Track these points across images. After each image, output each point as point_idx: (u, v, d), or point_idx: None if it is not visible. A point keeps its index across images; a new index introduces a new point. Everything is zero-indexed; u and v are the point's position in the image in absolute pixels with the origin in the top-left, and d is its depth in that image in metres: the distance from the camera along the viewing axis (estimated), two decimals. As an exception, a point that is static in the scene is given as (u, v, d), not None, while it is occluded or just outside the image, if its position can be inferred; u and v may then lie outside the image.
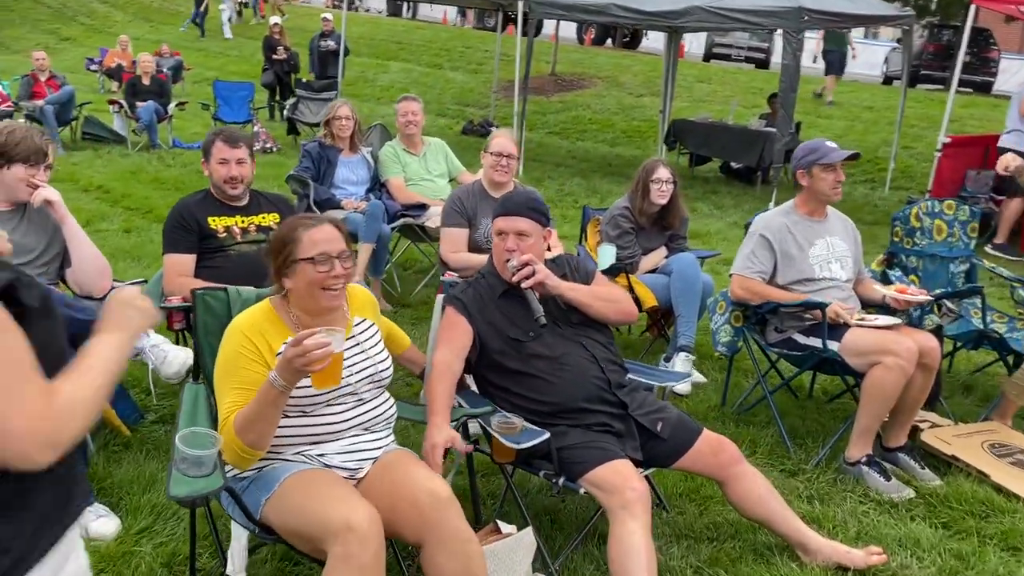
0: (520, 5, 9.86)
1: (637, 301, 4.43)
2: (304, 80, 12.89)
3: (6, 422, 1.14)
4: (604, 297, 3.00)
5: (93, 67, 16.65)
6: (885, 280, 4.25)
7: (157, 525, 2.86)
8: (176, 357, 3.30)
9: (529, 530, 2.60)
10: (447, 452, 2.63)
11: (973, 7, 9.03)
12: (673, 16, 9.47)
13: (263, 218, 3.76)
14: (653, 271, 4.61)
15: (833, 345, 3.52)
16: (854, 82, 16.54)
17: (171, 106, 11.06)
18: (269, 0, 23.31)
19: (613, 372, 2.91)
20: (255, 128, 11.33)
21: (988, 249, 7.90)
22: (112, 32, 19.70)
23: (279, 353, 2.28)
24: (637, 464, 2.79)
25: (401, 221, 5.39)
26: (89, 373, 1.33)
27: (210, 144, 3.72)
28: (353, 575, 2.01)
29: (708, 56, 21.74)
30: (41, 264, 3.22)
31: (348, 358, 2.34)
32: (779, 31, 10.16)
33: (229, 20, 21.42)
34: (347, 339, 2.37)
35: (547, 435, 2.67)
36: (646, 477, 3.00)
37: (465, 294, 2.95)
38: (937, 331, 3.86)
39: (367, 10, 30.11)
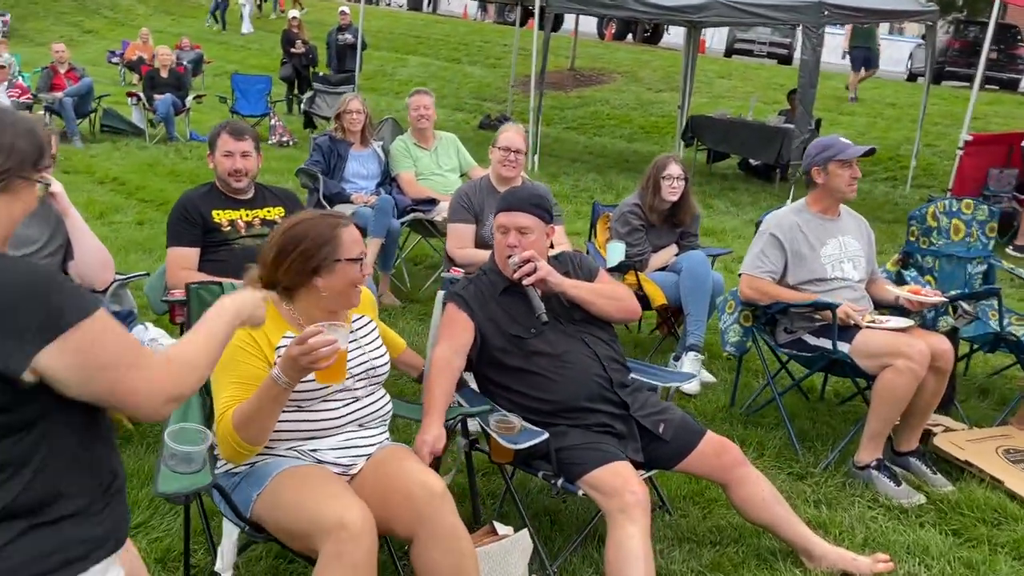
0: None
1: (646, 299, 4.38)
2: (321, 74, 12.89)
3: (136, 391, 1.42)
4: (607, 294, 2.95)
5: (115, 60, 16.77)
6: (900, 280, 4.16)
7: (153, 520, 2.84)
8: None
9: (525, 532, 2.57)
10: (446, 450, 2.60)
11: (999, 3, 8.85)
12: (692, 11, 9.38)
13: (268, 212, 3.74)
14: (663, 269, 4.55)
15: (843, 347, 3.45)
16: (877, 78, 16.30)
17: (188, 99, 11.10)
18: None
19: (615, 371, 2.87)
20: (272, 121, 11.35)
21: (1009, 250, 7.76)
22: (134, 25, 19.82)
23: (278, 348, 2.26)
24: (639, 466, 2.75)
25: (411, 216, 5.36)
26: (198, 339, 1.61)
27: (216, 136, 3.70)
28: (346, 573, 1.98)
29: (729, 51, 21.53)
30: (44, 256, 3.21)
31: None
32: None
33: (249, 14, 21.47)
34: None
35: (545, 435, 2.63)
36: (649, 479, 2.96)
37: (466, 290, 2.92)
38: (952, 333, 3.78)
39: (388, 4, 30.11)
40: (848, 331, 3.45)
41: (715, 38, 22.84)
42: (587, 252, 4.88)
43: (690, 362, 4.28)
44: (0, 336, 1.28)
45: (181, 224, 3.59)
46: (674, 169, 4.52)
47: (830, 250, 3.65)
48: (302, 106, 12.18)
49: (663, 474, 3.03)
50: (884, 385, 3.31)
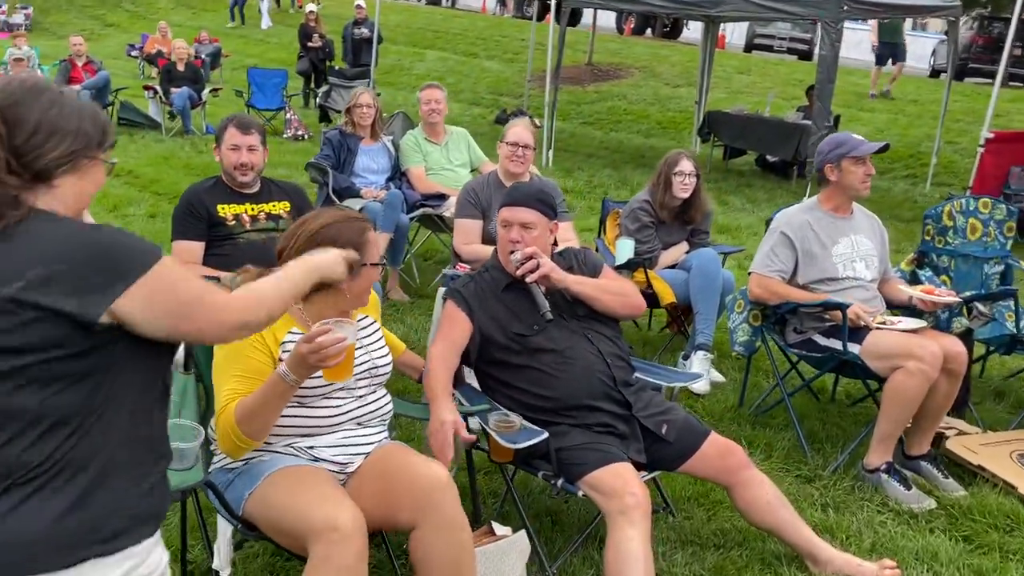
0: (554, -7, 9.74)
1: (655, 297, 4.33)
2: (337, 68, 12.89)
3: (208, 321, 1.56)
4: (611, 290, 2.92)
5: (134, 53, 16.86)
6: (915, 280, 4.08)
7: (152, 515, 2.83)
8: None
9: (523, 533, 2.54)
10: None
11: (1023, -2, 8.69)
12: (709, 5, 9.28)
13: (273, 206, 3.72)
14: (673, 266, 4.49)
15: (854, 347, 3.39)
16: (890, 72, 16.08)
17: (205, 92, 11.13)
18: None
19: (619, 368, 2.83)
20: (288, 115, 11.37)
21: (1030, 250, 7.63)
22: (155, 19, 19.88)
23: (283, 343, 2.24)
24: (642, 467, 2.71)
25: (420, 211, 5.33)
26: (272, 279, 1.76)
27: (222, 130, 3.69)
28: None
29: (749, 47, 21.32)
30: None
31: None
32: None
33: (267, 9, 21.50)
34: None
35: (545, 435, 2.60)
36: (653, 480, 2.92)
37: (466, 288, 2.88)
38: (966, 335, 3.70)
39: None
40: (859, 332, 3.39)
41: (735, 33, 22.64)
42: (596, 249, 4.84)
43: (699, 361, 4.23)
44: (76, 290, 1.41)
45: (186, 218, 3.58)
46: (686, 165, 4.46)
47: (842, 249, 3.59)
48: (318, 100, 12.18)
49: (668, 475, 2.99)
50: (895, 387, 3.25)
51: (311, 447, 2.29)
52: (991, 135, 8.40)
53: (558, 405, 2.73)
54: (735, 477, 2.76)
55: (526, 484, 3.18)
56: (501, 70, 17.03)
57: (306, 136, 11.00)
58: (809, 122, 9.32)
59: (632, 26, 22.82)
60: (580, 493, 2.57)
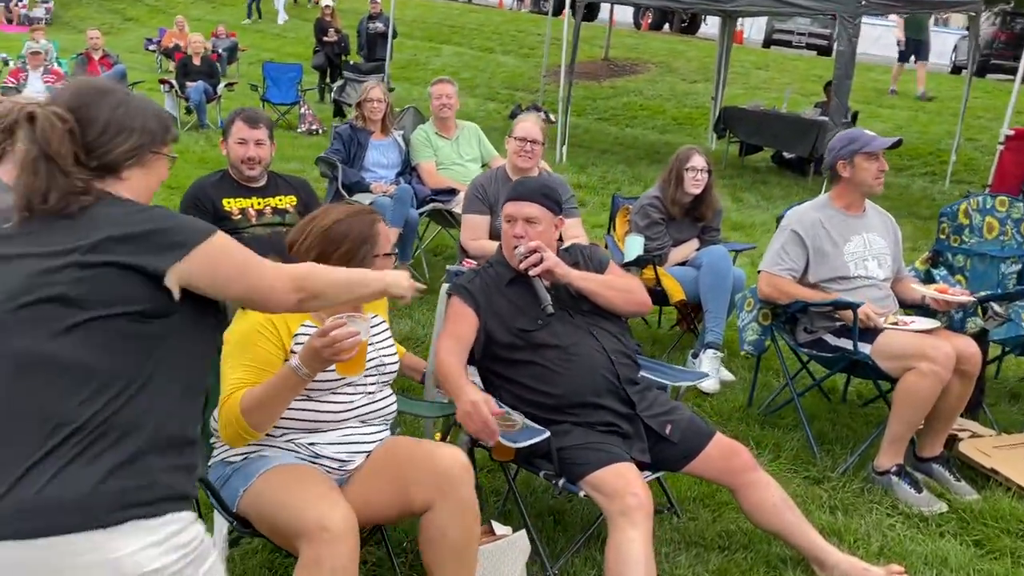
0: (569, -12, 9.68)
1: (665, 294, 4.29)
2: (352, 63, 12.88)
3: (271, 287, 1.67)
4: (615, 286, 2.88)
5: (152, 47, 16.93)
6: (930, 279, 4.01)
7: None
8: None
9: (523, 533, 2.51)
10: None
11: (1046, -7, 8.56)
12: None
13: (279, 200, 3.71)
14: (683, 263, 4.44)
15: (865, 347, 3.33)
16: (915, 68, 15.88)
17: (220, 86, 11.15)
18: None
19: (624, 366, 2.79)
20: (302, 110, 11.37)
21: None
22: (174, 13, 19.96)
23: (296, 335, 2.23)
24: (645, 467, 2.67)
25: (430, 206, 5.31)
26: (342, 268, 1.91)
27: (230, 123, 3.68)
28: None
29: (768, 42, 21.13)
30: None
31: None
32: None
33: (284, 5, 21.53)
34: None
35: (547, 434, 2.57)
36: (658, 480, 2.88)
37: (472, 283, 2.86)
38: (981, 335, 3.63)
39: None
40: (870, 332, 3.33)
41: (753, 28, 22.43)
42: (606, 245, 4.79)
43: (709, 360, 4.18)
44: (143, 250, 1.54)
45: (191, 211, 3.57)
46: (698, 161, 4.41)
47: (854, 247, 3.53)
48: (332, 95, 12.18)
49: (673, 475, 2.95)
50: (906, 388, 3.19)
51: (312, 443, 2.28)
52: (1011, 132, 8.29)
53: (561, 402, 2.69)
54: (740, 479, 2.72)
55: (529, 483, 3.15)
56: (517, 65, 16.96)
57: (320, 131, 11.01)
58: (826, 118, 9.22)
59: (650, 21, 22.68)
60: (582, 493, 2.54)
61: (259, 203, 3.66)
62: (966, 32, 18.62)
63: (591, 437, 2.63)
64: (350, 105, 11.55)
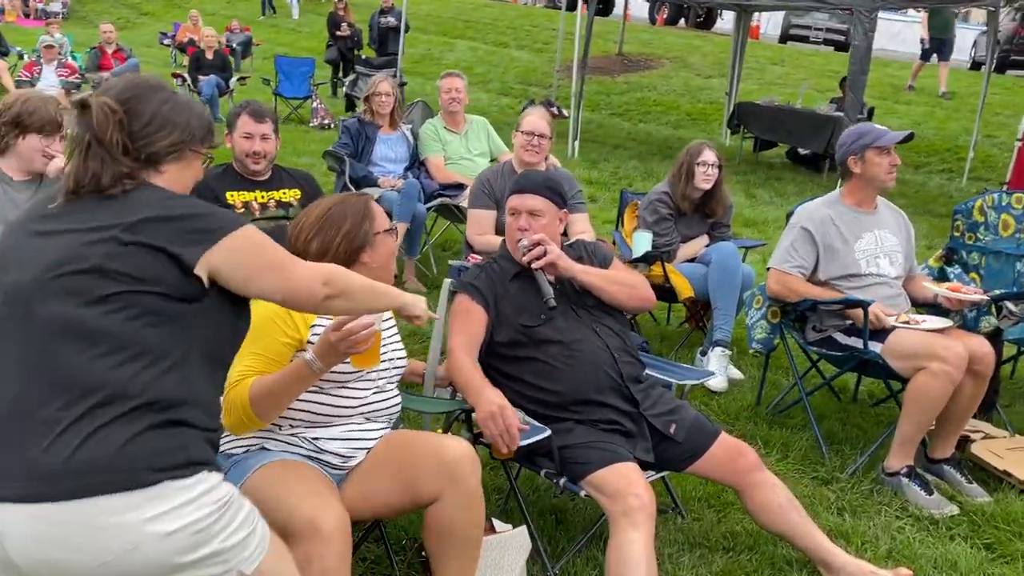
0: (582, -18, 9.62)
1: (673, 291, 4.24)
2: (364, 57, 12.86)
3: (299, 281, 1.74)
4: (619, 281, 2.84)
5: (166, 41, 16.97)
6: (943, 277, 3.94)
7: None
8: None
9: (523, 530, 2.48)
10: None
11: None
12: (740, -6, 9.11)
13: (283, 193, 3.69)
14: (692, 260, 4.39)
15: (875, 346, 3.27)
16: (936, 66, 15.69)
17: (232, 80, 11.16)
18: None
19: (627, 363, 2.74)
20: (314, 104, 11.36)
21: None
22: (189, 7, 20.00)
23: (313, 325, 2.22)
24: (649, 466, 2.63)
25: (438, 201, 5.28)
26: (362, 278, 1.91)
27: (235, 117, 3.66)
28: None
29: (785, 38, 20.95)
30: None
31: None
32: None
33: (297, 0, 21.53)
34: None
35: (548, 432, 2.53)
36: (662, 480, 2.84)
37: (479, 280, 2.82)
38: (995, 335, 3.57)
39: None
40: (881, 330, 3.27)
41: (770, 23, 22.27)
42: (613, 241, 4.75)
43: (717, 358, 4.13)
44: (175, 235, 1.62)
45: (195, 205, 3.55)
46: (708, 156, 4.36)
47: (865, 244, 3.47)
48: (344, 89, 12.17)
49: (677, 475, 2.90)
50: (917, 388, 3.14)
51: (316, 438, 2.26)
52: (1030, 128, 8.16)
53: (563, 399, 2.66)
54: (745, 479, 2.67)
55: (531, 482, 3.12)
56: (531, 60, 16.90)
57: (332, 125, 10.99)
58: (841, 114, 9.12)
59: (665, 16, 22.55)
60: (583, 493, 2.50)
61: (263, 196, 3.63)
62: (985, 28, 18.41)
63: (593, 436, 2.59)
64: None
